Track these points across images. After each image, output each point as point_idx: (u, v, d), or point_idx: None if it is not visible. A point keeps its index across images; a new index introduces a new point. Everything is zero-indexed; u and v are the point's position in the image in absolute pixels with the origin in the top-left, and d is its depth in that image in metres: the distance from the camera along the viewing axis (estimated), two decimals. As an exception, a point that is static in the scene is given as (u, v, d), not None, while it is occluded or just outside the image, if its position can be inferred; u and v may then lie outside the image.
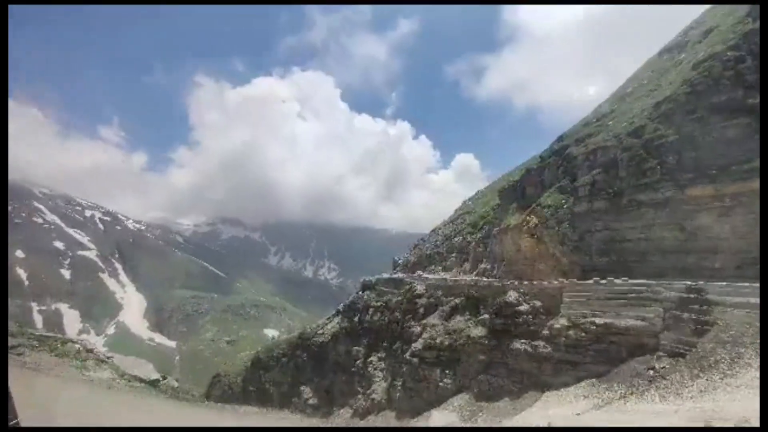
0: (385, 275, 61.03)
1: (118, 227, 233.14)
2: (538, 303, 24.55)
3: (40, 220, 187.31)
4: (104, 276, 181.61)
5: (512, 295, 25.96)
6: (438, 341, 31.71)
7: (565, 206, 26.83)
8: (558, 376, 22.08)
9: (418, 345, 34.82)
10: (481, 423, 23.21)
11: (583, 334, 21.31)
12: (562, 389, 20.99)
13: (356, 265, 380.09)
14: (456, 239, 45.87)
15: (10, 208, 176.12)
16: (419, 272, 48.67)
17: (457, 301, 33.16)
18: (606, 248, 24.26)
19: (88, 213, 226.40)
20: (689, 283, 18.87)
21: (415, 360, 33.78)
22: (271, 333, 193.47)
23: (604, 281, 21.90)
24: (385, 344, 46.29)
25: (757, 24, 20.47)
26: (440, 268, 47.13)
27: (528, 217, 29.64)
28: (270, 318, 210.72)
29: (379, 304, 51.44)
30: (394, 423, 34.55)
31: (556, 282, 24.30)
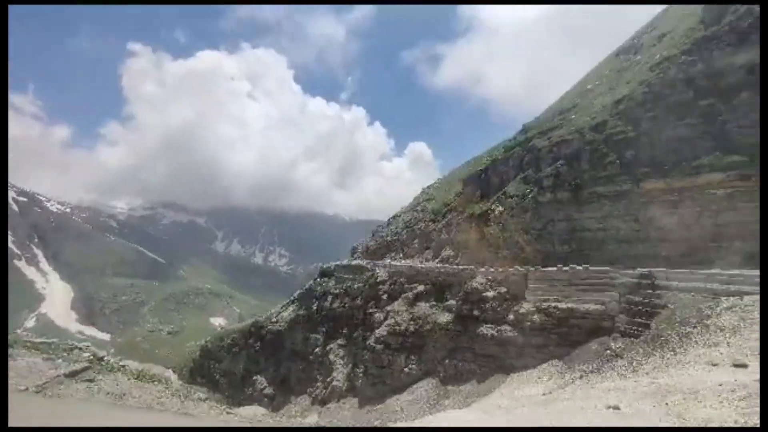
0: (344, 262, 60.34)
1: (37, 209, 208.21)
2: (503, 289, 25.41)
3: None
4: (21, 264, 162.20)
5: (479, 282, 26.64)
6: (403, 327, 31.90)
7: (530, 196, 27.80)
8: (522, 359, 23.11)
9: (382, 331, 34.85)
10: (448, 406, 23.78)
11: (547, 318, 22.42)
12: (527, 371, 22.02)
13: (308, 251, 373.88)
14: (418, 226, 46.22)
15: None
16: (384, 259, 48.59)
17: (421, 287, 33.49)
18: (567, 237, 25.56)
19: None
20: (642, 269, 20.40)
21: (379, 347, 33.81)
22: (217, 322, 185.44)
23: (566, 268, 23.08)
24: (345, 331, 45.96)
25: (709, 31, 22.21)
26: (401, 254, 47.38)
27: (493, 206, 30.45)
28: (216, 306, 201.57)
29: (338, 290, 50.86)
30: (356, 410, 34.55)
31: (521, 269, 25.25)
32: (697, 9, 25.43)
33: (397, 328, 32.50)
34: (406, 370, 30.25)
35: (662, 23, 30.17)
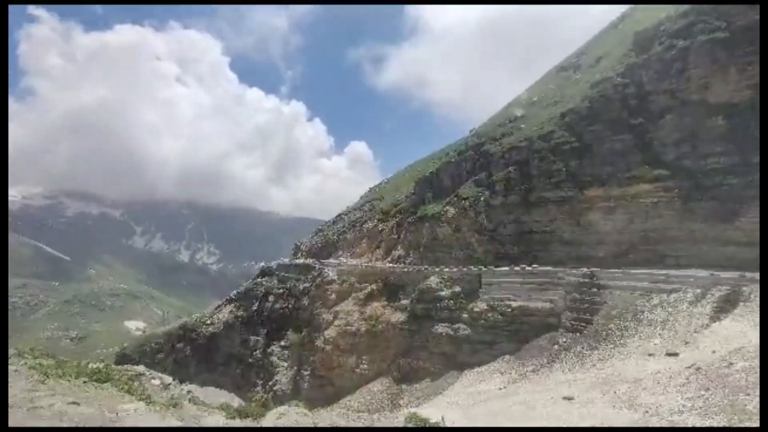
0: (286, 261, 58.08)
1: None
2: (458, 288, 26.13)
3: None
4: None
5: (433, 281, 27.11)
6: (354, 328, 31.41)
7: (482, 199, 28.95)
8: (475, 356, 23.94)
9: (330, 332, 33.98)
10: (404, 405, 23.79)
11: (500, 316, 23.48)
12: (480, 367, 22.85)
13: (240, 249, 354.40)
14: (366, 225, 45.91)
15: None
16: (330, 259, 47.45)
17: (373, 287, 33.24)
18: (517, 238, 27.07)
19: None
20: (584, 269, 22.27)
21: (329, 347, 32.95)
22: (134, 325, 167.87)
23: (517, 268, 24.40)
24: (288, 333, 44.15)
25: (639, 58, 25.02)
26: (349, 254, 46.69)
27: (446, 207, 31.23)
28: (133, 308, 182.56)
29: (281, 290, 48.76)
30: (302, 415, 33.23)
31: (474, 268, 26.17)
32: (628, 36, 28.52)
33: (348, 328, 31.92)
34: (357, 370, 29.80)
35: (598, 46, 33.49)
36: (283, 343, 44.54)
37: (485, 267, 25.99)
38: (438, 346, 25.40)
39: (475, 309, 24.50)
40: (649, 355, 16.19)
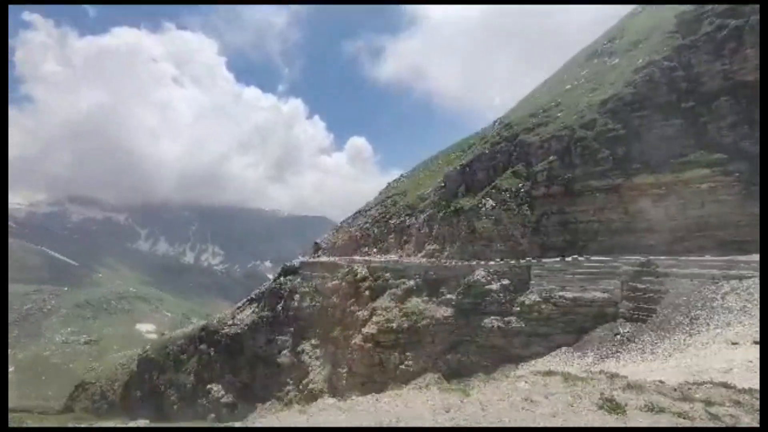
0: (306, 258, 57.82)
1: None
2: (506, 281, 25.83)
3: None
4: None
5: (480, 275, 26.80)
6: (395, 324, 31.14)
7: (522, 190, 28.57)
8: (528, 348, 23.70)
9: (368, 329, 33.74)
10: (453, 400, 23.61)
11: (554, 308, 23.19)
12: (536, 359, 22.61)
13: (244, 249, 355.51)
14: (392, 221, 45.58)
15: None
16: (354, 255, 47.17)
17: (411, 282, 32.97)
18: (561, 229, 26.70)
19: None
20: (640, 258, 21.92)
21: (368, 345, 32.72)
22: (145, 328, 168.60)
23: (569, 258, 24.07)
24: (319, 331, 44.03)
25: (687, 40, 24.47)
26: (375, 250, 46.43)
27: (483, 200, 30.85)
28: (143, 311, 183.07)
29: (307, 289, 48.53)
30: (340, 411, 33.13)
31: (523, 261, 25.86)
32: (666, 17, 27.92)
33: (388, 325, 31.66)
34: (402, 367, 29.58)
35: (630, 32, 32.86)
36: (313, 341, 44.44)
37: (534, 259, 25.66)
38: (488, 340, 25.16)
39: (527, 301, 24.21)
40: (733, 343, 15.88)
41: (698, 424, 6.47)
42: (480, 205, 30.69)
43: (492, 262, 27.06)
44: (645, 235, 23.98)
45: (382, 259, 39.13)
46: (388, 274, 36.50)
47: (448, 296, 28.68)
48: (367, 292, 37.82)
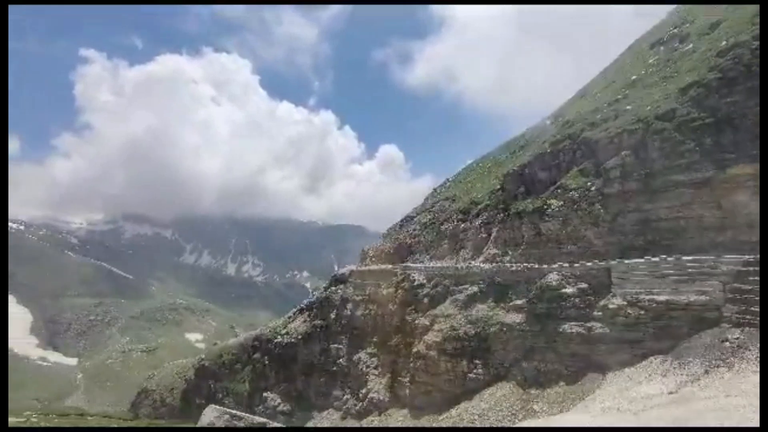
0: (354, 267, 57.96)
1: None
2: (584, 285, 24.49)
3: None
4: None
5: (553, 278, 25.60)
6: (461, 331, 30.34)
7: (593, 189, 27.15)
8: (615, 356, 22.20)
9: (431, 337, 33.13)
10: (540, 411, 22.45)
11: (643, 312, 21.63)
12: (629, 368, 21.09)
13: (283, 259, 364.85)
14: (444, 227, 44.87)
15: None
16: (405, 262, 46.80)
17: (474, 288, 32.12)
18: (641, 228, 25.03)
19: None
20: (746, 257, 20.01)
21: (432, 353, 32.07)
22: (194, 337, 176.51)
23: (655, 259, 22.45)
24: (375, 339, 43.84)
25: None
26: (428, 256, 45.82)
27: (549, 201, 29.61)
28: (191, 321, 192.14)
29: (360, 298, 48.60)
30: (410, 422, 32.55)
31: (601, 262, 24.45)
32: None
33: (453, 332, 30.90)
34: (471, 375, 28.69)
35: (697, 14, 30.78)
36: (369, 350, 44.29)
37: (613, 260, 24.17)
38: (568, 347, 23.84)
39: (610, 306, 22.76)
40: None
41: None
42: (545, 207, 29.48)
43: (566, 265, 25.76)
44: (746, 231, 21.91)
45: (439, 266, 38.48)
46: (447, 281, 35.83)
47: (518, 302, 27.59)
48: (426, 300, 37.28)
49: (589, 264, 24.89)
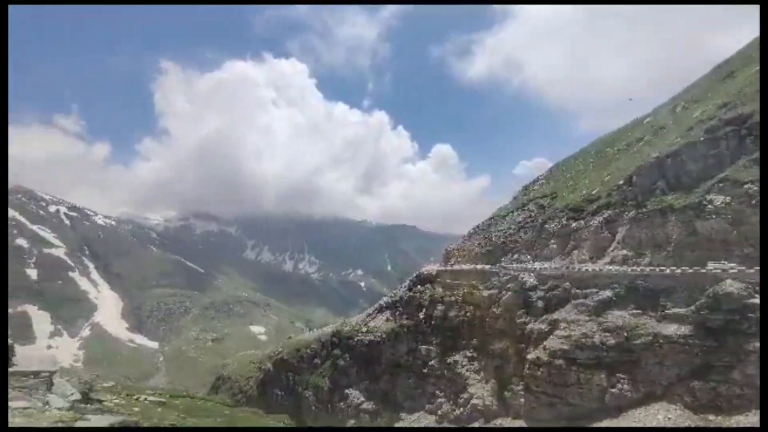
0: (441, 266, 55.99)
1: (86, 223, 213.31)
2: (777, 294, 20.56)
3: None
4: (74, 275, 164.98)
5: (733, 286, 21.85)
6: (596, 340, 27.23)
7: (776, 180, 22.89)
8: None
9: (553, 344, 30.24)
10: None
11: None
12: None
13: (338, 258, 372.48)
14: (549, 225, 41.54)
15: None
16: (500, 262, 44.05)
17: (606, 293, 28.80)
18: None
19: (52, 208, 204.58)
20: None
21: (559, 362, 29.22)
22: (257, 330, 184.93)
23: None
24: (475, 342, 41.65)
25: None
26: (529, 257, 42.73)
27: (710, 196, 25.66)
28: (254, 315, 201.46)
29: (453, 298, 46.60)
30: (530, 435, 29.99)
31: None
32: None
33: (586, 340, 27.88)
34: (613, 391, 25.54)
35: None
36: (468, 353, 42.17)
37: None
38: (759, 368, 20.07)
39: (822, 321, 18.77)
40: None
41: None
42: (704, 203, 25.55)
43: (751, 271, 21.84)
44: None
45: (553, 267, 35.39)
46: (567, 284, 32.73)
47: (678, 310, 23.99)
48: (539, 303, 34.43)
49: (782, 270, 20.84)
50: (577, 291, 31.33)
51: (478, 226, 59.00)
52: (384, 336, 53.44)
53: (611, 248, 32.76)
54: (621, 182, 34.57)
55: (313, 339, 72.12)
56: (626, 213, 32.24)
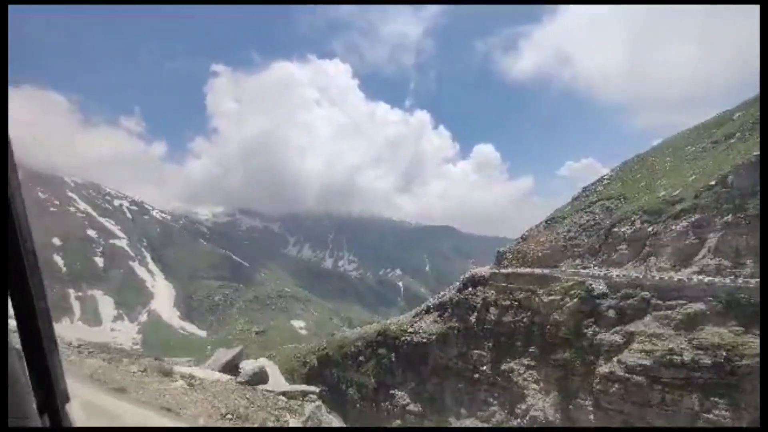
0: (488, 269, 53.77)
1: (145, 216, 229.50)
2: None
3: (72, 209, 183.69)
4: (134, 264, 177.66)
5: None
6: (686, 357, 24.41)
7: None
8: None
9: (634, 359, 27.57)
10: None
11: None
12: None
13: (376, 256, 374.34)
14: (620, 229, 38.29)
15: (43, 196, 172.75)
16: (559, 266, 41.28)
17: (698, 306, 25.79)
18: None
19: (116, 202, 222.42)
20: None
21: (639, 378, 26.58)
22: (298, 324, 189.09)
23: None
24: (533, 350, 39.34)
25: None
26: (594, 261, 39.69)
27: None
28: (295, 309, 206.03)
29: (508, 302, 44.43)
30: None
31: None
32: None
33: (673, 357, 25.09)
34: (708, 416, 22.71)
35: None
36: (525, 361, 39.94)
37: None
38: None
39: None
40: None
41: None
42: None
43: None
44: None
45: (630, 275, 32.44)
46: (645, 293, 29.82)
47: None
48: (611, 312, 31.69)
49: None
50: (659, 302, 28.39)
51: (532, 229, 56.00)
52: (432, 337, 52.23)
53: (700, 256, 29.40)
54: (713, 183, 30.99)
55: (357, 336, 72.11)
56: (719, 217, 28.80)
